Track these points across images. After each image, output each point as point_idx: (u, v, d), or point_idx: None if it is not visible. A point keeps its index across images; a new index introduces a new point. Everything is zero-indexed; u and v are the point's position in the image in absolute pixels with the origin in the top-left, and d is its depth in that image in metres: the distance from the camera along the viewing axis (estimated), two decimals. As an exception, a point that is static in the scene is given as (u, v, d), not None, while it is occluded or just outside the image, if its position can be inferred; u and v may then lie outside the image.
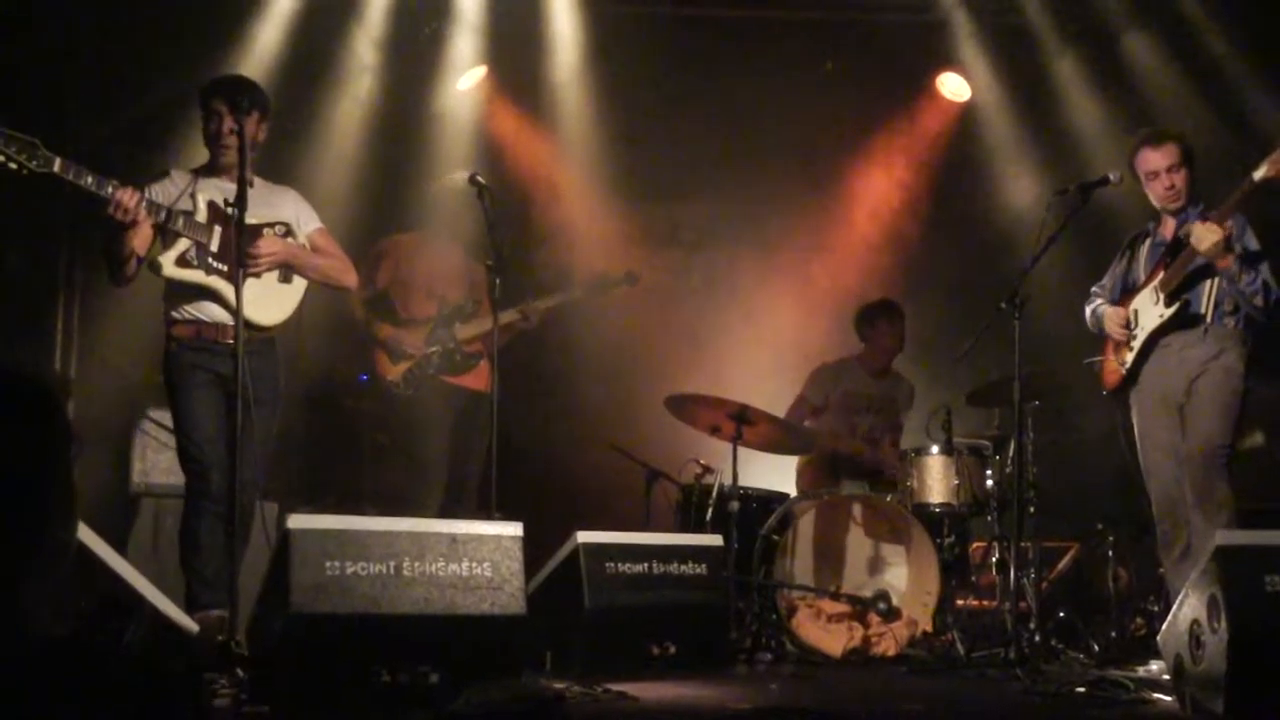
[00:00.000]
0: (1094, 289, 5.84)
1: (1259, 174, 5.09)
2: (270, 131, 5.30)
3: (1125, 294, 5.67)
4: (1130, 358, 5.52)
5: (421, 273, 6.88)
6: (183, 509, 5.09)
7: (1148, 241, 5.65)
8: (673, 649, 5.16)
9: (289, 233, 5.30)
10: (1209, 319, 5.35)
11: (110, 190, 4.75)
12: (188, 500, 5.06)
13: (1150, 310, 5.47)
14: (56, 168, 4.63)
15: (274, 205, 5.30)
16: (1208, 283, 5.35)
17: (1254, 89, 7.86)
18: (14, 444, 1.43)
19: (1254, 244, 5.34)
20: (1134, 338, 5.52)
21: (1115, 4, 8.16)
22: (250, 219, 4.90)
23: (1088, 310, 5.81)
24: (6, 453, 1.42)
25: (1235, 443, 5.34)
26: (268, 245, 5.13)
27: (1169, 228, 5.55)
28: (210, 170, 5.22)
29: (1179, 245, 5.38)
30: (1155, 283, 5.46)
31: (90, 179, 4.71)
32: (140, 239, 4.95)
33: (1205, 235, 5.16)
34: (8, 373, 1.46)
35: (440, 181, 6.92)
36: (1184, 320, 5.36)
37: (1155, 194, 5.51)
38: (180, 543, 5.05)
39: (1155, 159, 5.47)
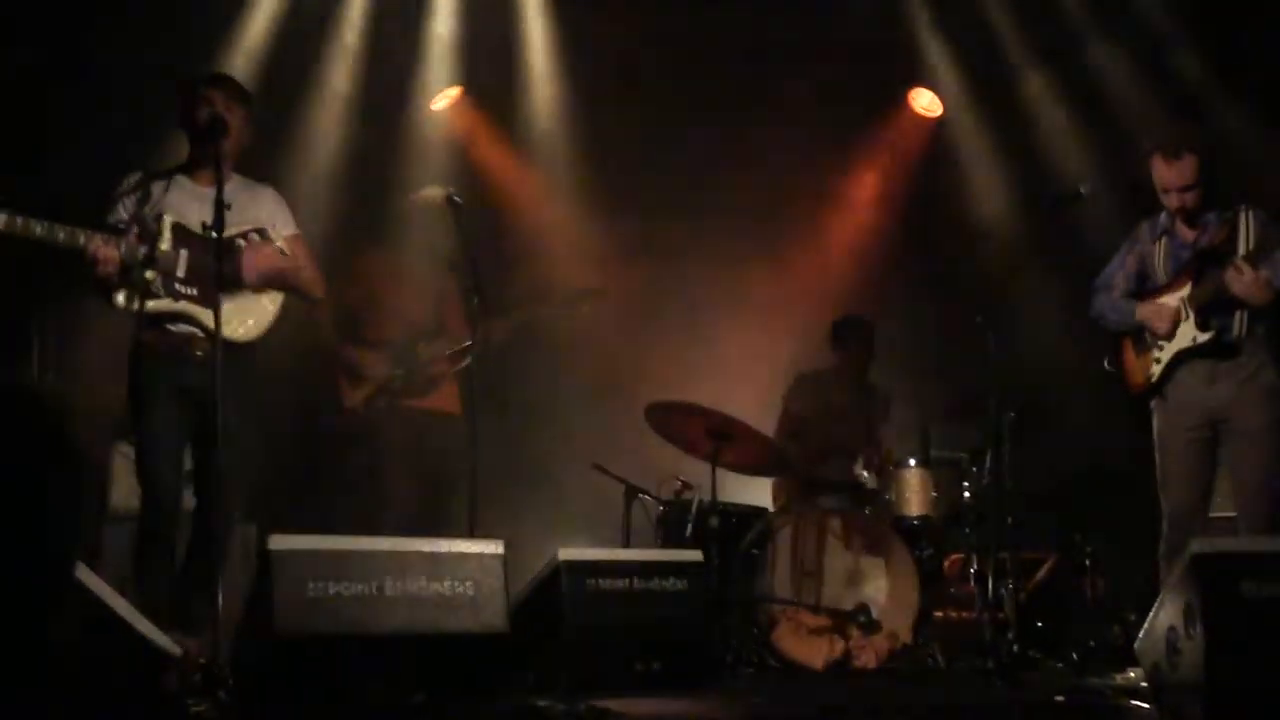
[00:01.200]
0: (1097, 282, 5.67)
1: None
2: (253, 137, 5.18)
3: (1145, 294, 5.51)
4: (1158, 370, 5.41)
5: (390, 293, 6.72)
6: (136, 529, 4.98)
7: (1164, 239, 5.48)
8: (655, 664, 5.16)
9: (263, 239, 5.14)
10: (1243, 336, 5.24)
11: (84, 241, 4.68)
12: (140, 521, 4.96)
13: (1181, 326, 5.35)
14: (1, 224, 4.54)
15: (250, 207, 5.14)
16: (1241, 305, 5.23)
17: (1221, 101, 7.96)
18: (21, 464, 1.44)
19: None
20: (1160, 349, 5.42)
21: (1082, 18, 8.26)
22: (226, 228, 4.71)
23: (1096, 303, 5.64)
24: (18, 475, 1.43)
25: None
26: (259, 261, 4.99)
27: (1186, 231, 5.41)
28: (189, 169, 5.06)
29: (1205, 256, 5.27)
30: (1183, 294, 5.33)
31: (40, 229, 4.60)
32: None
33: (1249, 288, 5.08)
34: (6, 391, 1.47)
35: (417, 196, 6.80)
36: (1220, 349, 5.25)
37: (1165, 203, 5.38)
38: (132, 563, 4.94)
39: (1169, 177, 5.30)
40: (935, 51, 8.76)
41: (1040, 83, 8.57)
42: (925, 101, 8.91)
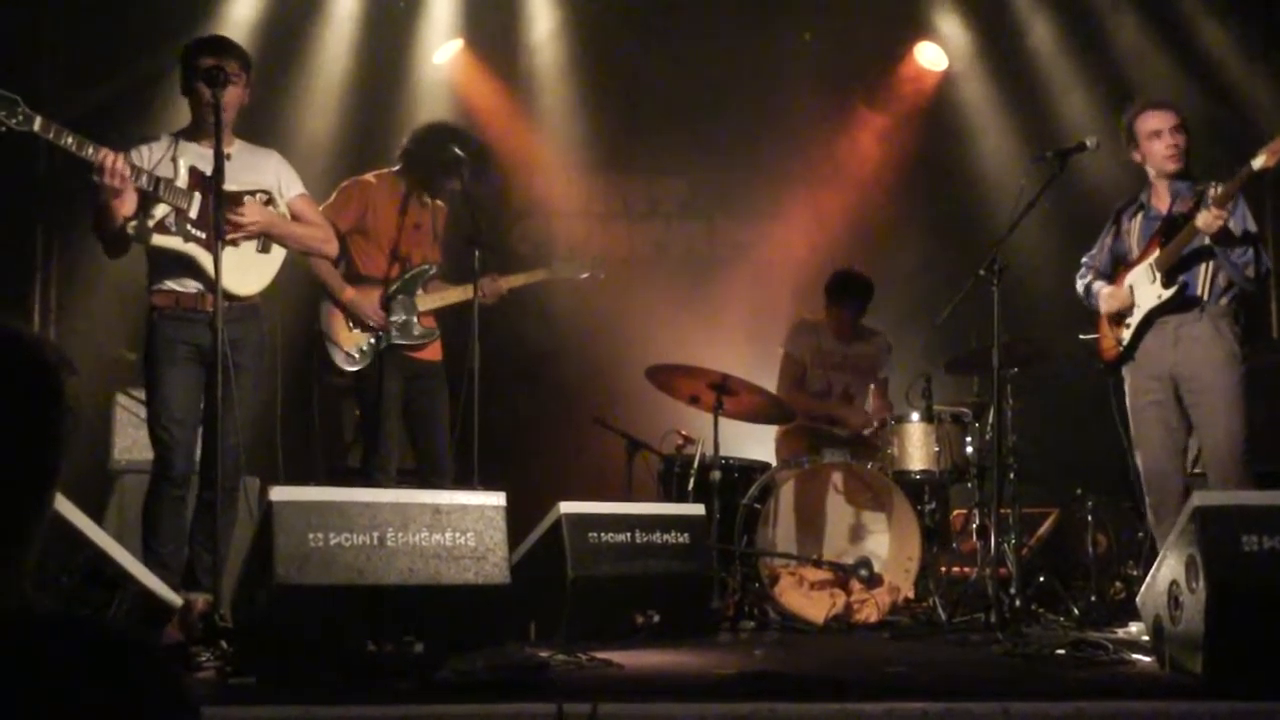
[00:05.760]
0: (1084, 260, 5.77)
1: (1257, 163, 5.01)
2: (253, 93, 5.14)
3: (1118, 267, 5.62)
4: (1128, 335, 5.48)
5: (386, 226, 6.07)
6: (146, 488, 5.01)
7: (1140, 214, 5.56)
8: (656, 618, 5.18)
9: (270, 200, 5.15)
10: (1205, 299, 5.31)
11: (92, 152, 4.64)
12: (151, 480, 4.98)
13: (1147, 289, 5.41)
14: (37, 126, 4.49)
15: (257, 170, 5.17)
16: (1204, 264, 5.31)
17: (1230, 55, 7.90)
18: (11, 419, 1.43)
19: (1251, 225, 5.31)
20: (1130, 315, 5.48)
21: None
22: (232, 185, 4.85)
23: (1079, 284, 5.74)
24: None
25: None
26: (249, 214, 4.98)
27: (1162, 199, 5.48)
28: (192, 133, 5.06)
29: (1174, 222, 5.33)
30: (1151, 260, 5.40)
31: (71, 140, 4.57)
32: (127, 206, 4.82)
33: (1212, 223, 5.12)
34: (11, 342, 1.45)
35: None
36: (1183, 303, 5.33)
37: (1157, 154, 5.43)
38: (141, 523, 4.99)
39: (1159, 119, 5.42)
40: (941, 5, 8.70)
41: (1047, 36, 8.52)
42: (931, 56, 8.85)
